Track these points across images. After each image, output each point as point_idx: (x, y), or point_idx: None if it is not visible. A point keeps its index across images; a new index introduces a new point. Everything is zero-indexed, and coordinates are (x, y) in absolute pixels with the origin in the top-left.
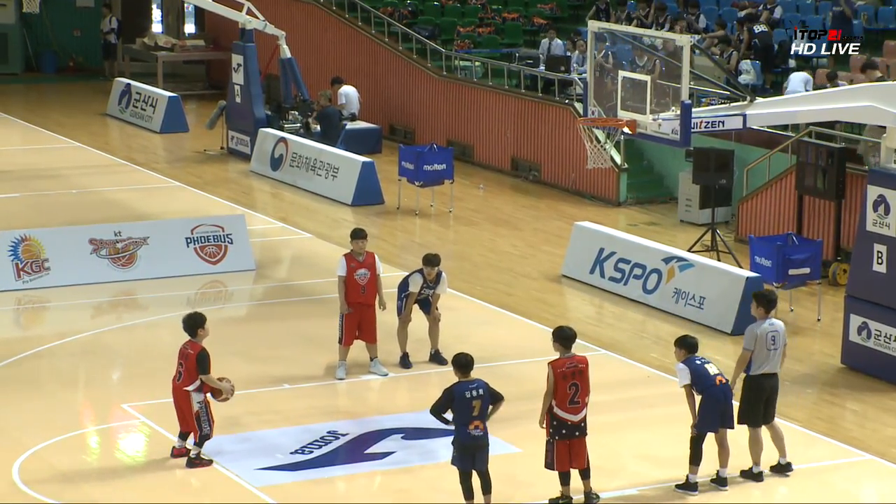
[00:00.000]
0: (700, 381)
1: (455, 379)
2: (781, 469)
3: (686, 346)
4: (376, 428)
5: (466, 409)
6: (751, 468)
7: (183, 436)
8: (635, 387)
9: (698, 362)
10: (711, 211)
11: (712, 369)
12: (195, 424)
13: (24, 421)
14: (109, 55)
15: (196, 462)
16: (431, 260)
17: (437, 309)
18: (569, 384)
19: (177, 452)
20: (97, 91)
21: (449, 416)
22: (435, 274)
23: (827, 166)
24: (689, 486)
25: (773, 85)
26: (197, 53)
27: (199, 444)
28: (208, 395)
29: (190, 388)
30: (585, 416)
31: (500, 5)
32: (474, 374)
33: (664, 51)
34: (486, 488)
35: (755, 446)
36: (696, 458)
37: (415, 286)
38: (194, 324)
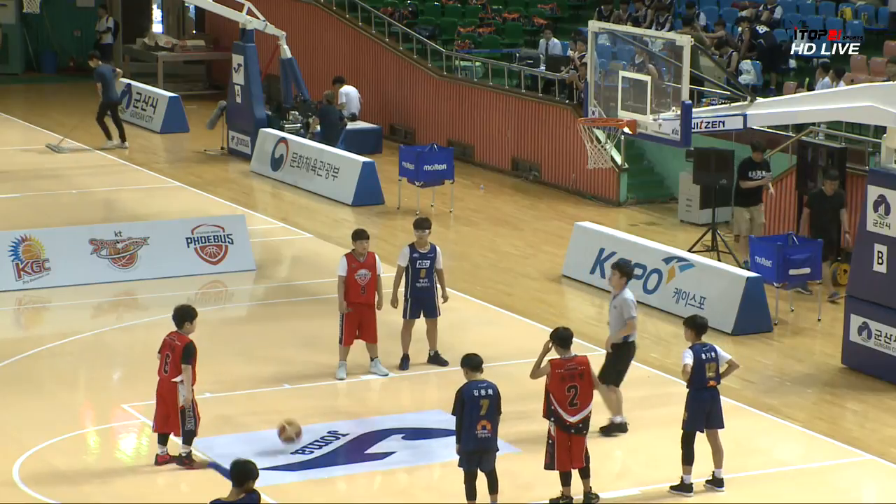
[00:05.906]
0: (695, 378)
1: (462, 379)
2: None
3: (695, 326)
4: (377, 428)
5: (475, 409)
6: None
7: (163, 439)
8: (635, 387)
9: (703, 357)
10: (712, 211)
11: (709, 371)
12: (178, 420)
13: (24, 421)
14: (105, 56)
15: (186, 462)
16: (421, 223)
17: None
18: (567, 386)
19: (161, 459)
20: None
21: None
22: (428, 244)
23: (827, 166)
24: (683, 488)
25: (777, 85)
26: (197, 54)
27: (185, 441)
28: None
29: (178, 379)
30: (587, 416)
31: (500, 5)
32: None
33: (664, 52)
34: (493, 488)
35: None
36: (687, 458)
37: (402, 260)
38: (184, 315)
